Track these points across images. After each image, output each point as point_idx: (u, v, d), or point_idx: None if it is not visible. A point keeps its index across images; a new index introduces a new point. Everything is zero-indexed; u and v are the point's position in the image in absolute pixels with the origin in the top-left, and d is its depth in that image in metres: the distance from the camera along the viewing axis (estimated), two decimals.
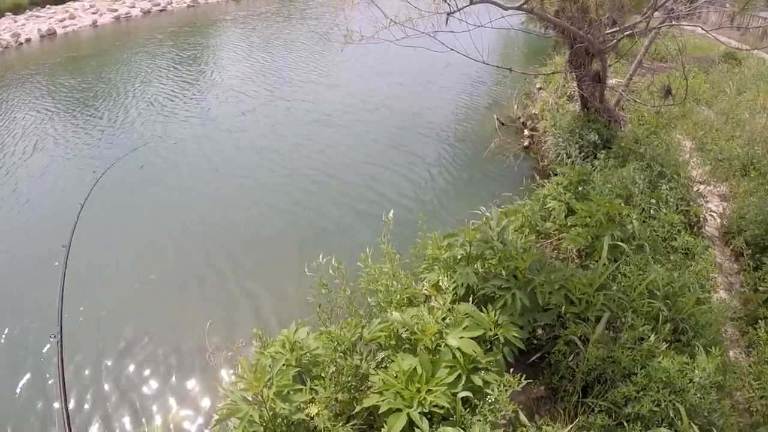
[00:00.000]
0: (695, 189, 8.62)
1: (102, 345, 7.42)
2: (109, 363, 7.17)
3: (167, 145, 14.05)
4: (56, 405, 6.43)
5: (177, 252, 9.46)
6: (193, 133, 14.87)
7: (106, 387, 6.82)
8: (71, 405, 6.55)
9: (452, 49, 8.20)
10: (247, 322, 7.52)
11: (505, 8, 7.67)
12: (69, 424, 3.76)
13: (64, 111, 17.21)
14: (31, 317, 7.83)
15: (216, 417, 4.40)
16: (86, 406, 6.57)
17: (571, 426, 4.47)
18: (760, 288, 6.75)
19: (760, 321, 5.93)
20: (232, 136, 14.60)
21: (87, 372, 7.01)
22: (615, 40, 9.63)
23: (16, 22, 29.37)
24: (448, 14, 7.24)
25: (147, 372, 7.03)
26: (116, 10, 32.50)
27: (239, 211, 10.74)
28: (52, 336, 4.23)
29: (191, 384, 6.85)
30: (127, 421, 6.41)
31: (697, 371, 4.42)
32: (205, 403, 6.56)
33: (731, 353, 5.82)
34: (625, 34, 9.37)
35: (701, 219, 8.08)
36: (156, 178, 12.26)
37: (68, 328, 7.42)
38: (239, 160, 13.13)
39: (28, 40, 27.25)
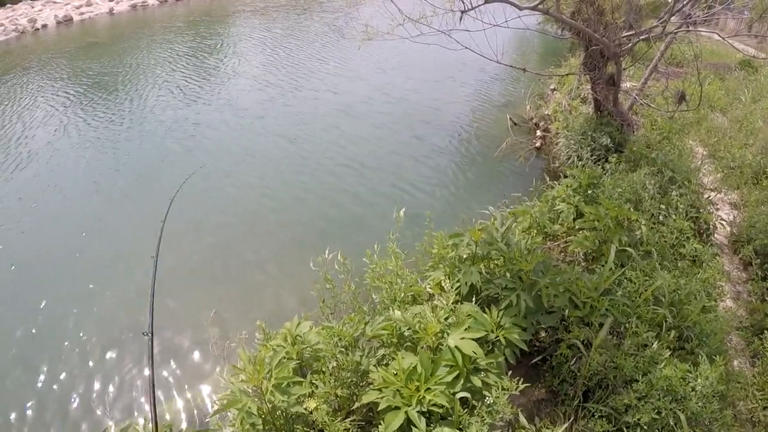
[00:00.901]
0: (706, 196, 8.53)
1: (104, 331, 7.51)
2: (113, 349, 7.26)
3: (190, 131, 14.29)
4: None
5: (190, 239, 9.54)
6: (218, 119, 15.07)
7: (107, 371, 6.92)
8: (80, 390, 6.65)
9: (467, 48, 8.18)
10: (252, 313, 7.53)
11: (521, 8, 7.63)
12: (156, 418, 4.03)
13: (87, 94, 17.39)
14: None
15: (215, 407, 4.44)
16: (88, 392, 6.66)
17: (570, 429, 4.46)
18: None
19: (766, 331, 5.87)
20: (254, 123, 14.78)
21: (91, 362, 7.11)
22: (630, 44, 9.54)
23: (33, 7, 29.51)
24: (462, 12, 7.22)
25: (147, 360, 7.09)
26: None
27: (258, 200, 10.84)
28: (144, 333, 4.48)
29: (193, 372, 6.90)
30: (123, 406, 6.49)
31: (699, 380, 4.37)
32: (207, 392, 6.60)
33: (735, 363, 5.78)
34: (641, 38, 9.28)
35: (711, 226, 7.99)
36: (182, 164, 12.42)
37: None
38: (261, 146, 13.38)
39: (44, 26, 27.39)
